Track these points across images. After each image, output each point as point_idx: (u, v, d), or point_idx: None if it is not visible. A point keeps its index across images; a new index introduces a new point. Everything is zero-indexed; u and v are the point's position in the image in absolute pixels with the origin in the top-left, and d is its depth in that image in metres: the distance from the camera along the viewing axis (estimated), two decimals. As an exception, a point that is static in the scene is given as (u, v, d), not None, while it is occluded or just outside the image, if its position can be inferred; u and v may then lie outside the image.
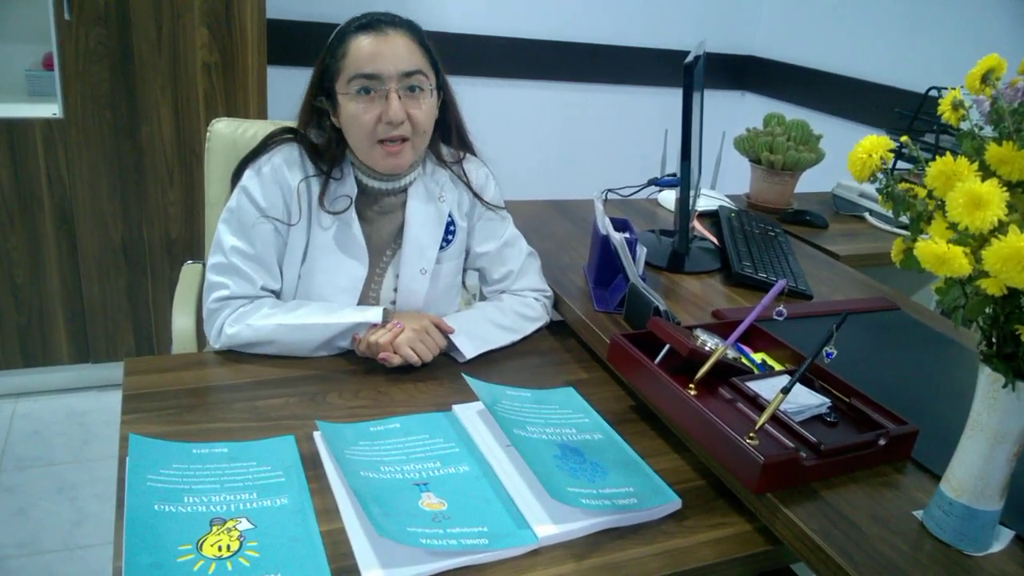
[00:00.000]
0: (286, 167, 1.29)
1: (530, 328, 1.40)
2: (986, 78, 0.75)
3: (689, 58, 1.38)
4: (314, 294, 1.31)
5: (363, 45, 1.22)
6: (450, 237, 1.39)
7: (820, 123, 2.30)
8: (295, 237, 1.30)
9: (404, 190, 1.35)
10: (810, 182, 2.21)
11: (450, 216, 1.39)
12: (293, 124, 1.35)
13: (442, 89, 1.33)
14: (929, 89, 2.06)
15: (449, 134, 1.39)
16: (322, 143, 1.30)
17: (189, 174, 2.28)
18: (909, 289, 1.93)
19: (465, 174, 1.40)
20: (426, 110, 1.26)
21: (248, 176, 1.29)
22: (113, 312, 2.36)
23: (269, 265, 1.30)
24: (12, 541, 1.85)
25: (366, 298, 1.36)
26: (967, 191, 0.68)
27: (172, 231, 2.32)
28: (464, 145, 1.42)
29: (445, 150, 1.40)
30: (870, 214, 2.15)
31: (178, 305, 1.53)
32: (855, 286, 1.65)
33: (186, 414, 1.09)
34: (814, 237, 1.95)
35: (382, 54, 1.21)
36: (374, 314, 1.24)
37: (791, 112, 2.35)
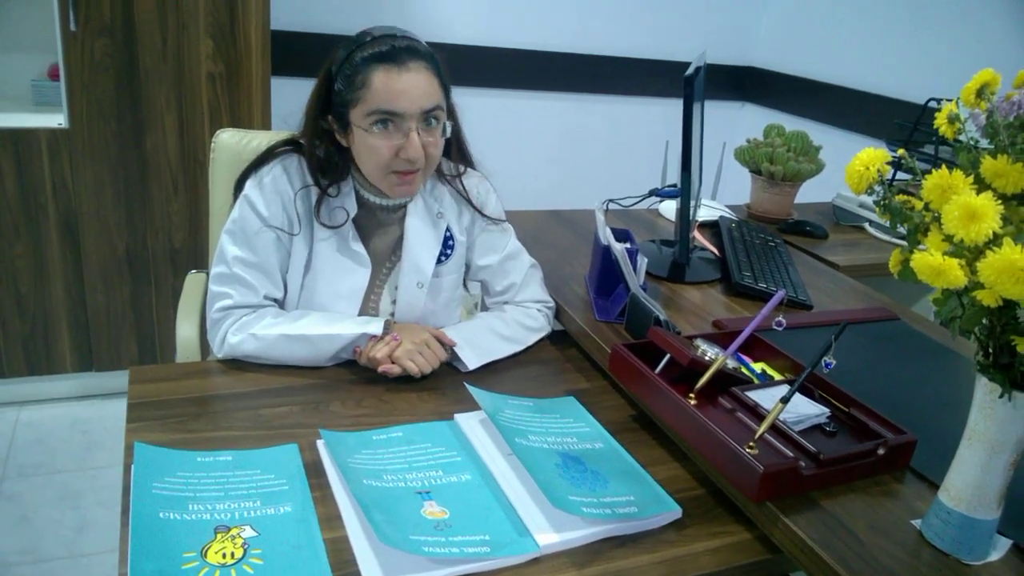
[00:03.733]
0: (286, 177, 1.30)
1: (532, 339, 1.41)
2: (981, 92, 0.76)
3: (690, 70, 1.40)
4: (316, 303, 1.32)
5: (385, 78, 1.18)
6: (448, 251, 1.40)
7: (820, 134, 2.31)
8: (298, 247, 1.31)
9: (403, 206, 1.36)
10: (810, 193, 2.22)
11: (448, 231, 1.40)
12: (295, 135, 1.36)
13: (450, 111, 1.32)
14: (928, 100, 2.07)
15: (450, 150, 1.38)
16: (324, 157, 1.29)
17: (193, 184, 2.29)
18: (909, 299, 1.93)
19: (465, 190, 1.41)
20: (440, 142, 1.27)
21: (250, 186, 1.31)
22: (117, 321, 2.37)
23: (272, 274, 1.31)
24: (15, 548, 1.86)
25: (365, 310, 1.37)
26: (962, 204, 0.70)
27: (176, 241, 2.34)
28: (464, 159, 1.43)
29: (445, 165, 1.41)
30: (870, 224, 2.16)
31: (182, 314, 1.54)
32: (855, 296, 1.66)
33: (191, 422, 1.09)
34: (814, 247, 1.96)
35: (406, 93, 1.19)
36: (375, 326, 1.25)
37: (791, 123, 2.36)
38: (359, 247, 1.32)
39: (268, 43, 2.22)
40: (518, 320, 1.41)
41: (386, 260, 1.38)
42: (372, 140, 1.21)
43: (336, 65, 1.23)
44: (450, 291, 1.43)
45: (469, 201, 1.41)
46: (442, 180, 1.40)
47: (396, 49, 1.19)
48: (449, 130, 1.28)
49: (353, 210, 1.32)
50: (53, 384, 2.42)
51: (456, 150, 1.40)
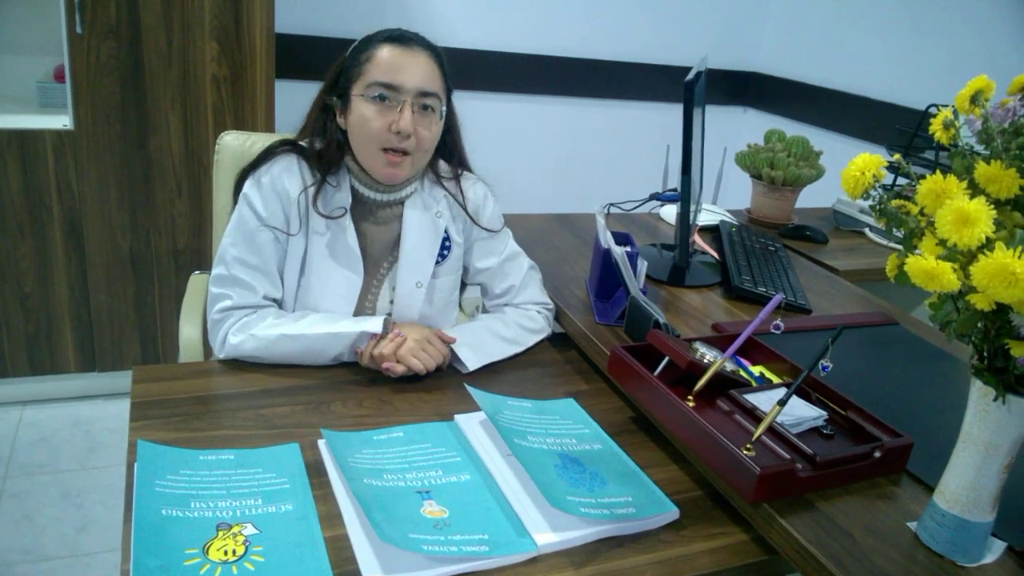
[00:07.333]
0: (285, 176, 1.31)
1: (532, 340, 1.42)
2: (975, 99, 0.77)
3: (691, 75, 1.41)
4: (311, 302, 1.33)
5: (389, 54, 1.26)
6: (445, 252, 1.41)
7: (821, 139, 2.32)
8: (294, 246, 1.32)
9: (400, 203, 1.37)
10: (810, 198, 2.23)
11: (446, 232, 1.41)
12: (293, 136, 1.38)
13: (449, 113, 1.36)
14: (929, 106, 2.08)
15: (450, 155, 1.42)
16: (323, 145, 1.32)
17: (197, 186, 2.31)
18: (909, 304, 1.94)
19: (461, 193, 1.42)
20: (434, 131, 1.30)
21: (248, 186, 1.32)
22: (120, 321, 2.39)
23: (270, 274, 1.32)
24: (17, 547, 1.87)
25: (362, 309, 1.38)
26: (956, 209, 0.70)
27: (179, 242, 2.35)
28: (462, 165, 1.45)
29: (444, 167, 1.42)
30: (870, 230, 2.17)
31: (185, 315, 1.55)
32: (854, 301, 1.66)
33: (193, 421, 1.11)
34: (814, 252, 1.97)
35: (406, 67, 1.25)
36: (375, 324, 1.26)
37: (792, 128, 2.37)
38: (354, 246, 1.33)
39: (272, 46, 2.24)
40: (518, 322, 1.42)
41: (384, 259, 1.39)
42: (367, 110, 1.26)
43: (351, 50, 1.31)
44: (446, 293, 1.43)
45: (464, 208, 1.42)
46: (440, 183, 1.41)
47: (405, 34, 1.29)
48: (441, 125, 1.31)
49: (347, 202, 1.33)
50: (56, 384, 2.43)
51: (455, 158, 1.42)
